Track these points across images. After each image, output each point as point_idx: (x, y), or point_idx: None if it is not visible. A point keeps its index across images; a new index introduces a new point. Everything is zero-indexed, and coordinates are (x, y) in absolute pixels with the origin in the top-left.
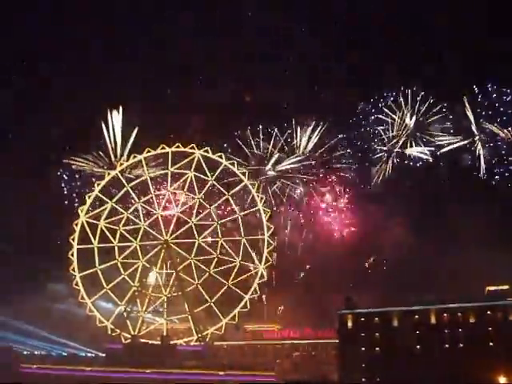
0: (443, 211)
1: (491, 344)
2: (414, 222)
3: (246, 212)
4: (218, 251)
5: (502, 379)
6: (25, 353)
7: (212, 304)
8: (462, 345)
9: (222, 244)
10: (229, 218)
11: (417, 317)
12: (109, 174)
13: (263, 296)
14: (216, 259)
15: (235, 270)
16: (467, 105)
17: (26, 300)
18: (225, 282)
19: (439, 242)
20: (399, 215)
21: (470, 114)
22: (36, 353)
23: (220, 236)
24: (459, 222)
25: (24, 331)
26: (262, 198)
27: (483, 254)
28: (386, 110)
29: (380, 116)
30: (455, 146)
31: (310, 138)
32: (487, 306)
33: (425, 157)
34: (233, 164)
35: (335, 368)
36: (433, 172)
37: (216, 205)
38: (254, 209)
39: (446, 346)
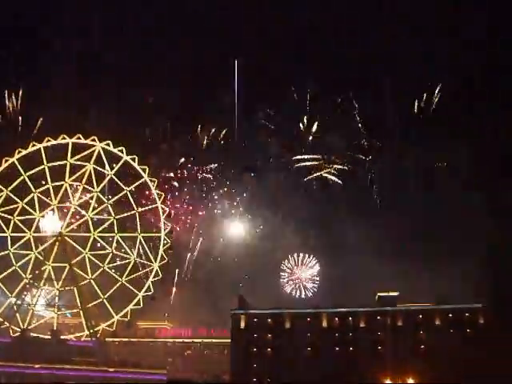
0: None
1: (379, 348)
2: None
3: (143, 209)
4: (114, 247)
5: (388, 381)
6: None
7: (104, 300)
8: (351, 348)
9: (117, 240)
10: (126, 214)
11: (309, 319)
12: (6, 160)
13: (156, 294)
14: (111, 255)
15: (130, 267)
16: None
17: None
18: (119, 278)
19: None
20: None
21: None
22: None
23: (116, 231)
24: (353, 233)
25: None
26: (160, 196)
27: (374, 264)
28: None
29: None
30: None
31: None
32: (377, 311)
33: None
34: (133, 159)
35: (227, 367)
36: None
37: (114, 200)
38: (151, 206)
39: (337, 349)
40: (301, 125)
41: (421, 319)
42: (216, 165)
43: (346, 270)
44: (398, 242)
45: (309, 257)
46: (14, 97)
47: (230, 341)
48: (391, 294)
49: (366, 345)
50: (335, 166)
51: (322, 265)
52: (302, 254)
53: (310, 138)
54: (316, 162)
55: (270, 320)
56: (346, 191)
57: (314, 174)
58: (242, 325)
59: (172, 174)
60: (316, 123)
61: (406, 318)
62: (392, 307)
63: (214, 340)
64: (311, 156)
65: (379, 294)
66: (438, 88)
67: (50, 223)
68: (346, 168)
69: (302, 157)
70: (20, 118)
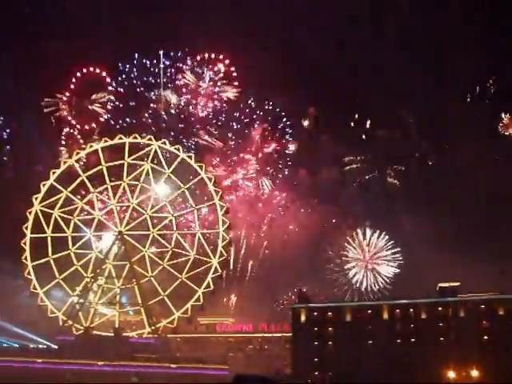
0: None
1: (442, 339)
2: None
3: (201, 206)
4: (173, 244)
5: (452, 374)
6: None
7: (165, 297)
8: (413, 340)
9: (176, 237)
10: (184, 211)
11: (369, 312)
12: (64, 162)
13: (217, 290)
14: (170, 252)
15: (189, 264)
16: None
17: None
18: (178, 275)
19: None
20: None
21: None
22: None
23: (175, 229)
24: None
25: None
26: (218, 192)
27: (434, 254)
28: None
29: None
30: None
31: None
32: (438, 302)
33: None
34: (190, 157)
35: (288, 362)
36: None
37: (172, 197)
38: (209, 203)
39: (398, 341)
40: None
41: (484, 309)
42: None
43: (407, 261)
44: (458, 231)
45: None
46: None
47: (290, 335)
48: (453, 284)
49: (428, 336)
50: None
51: None
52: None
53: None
54: None
55: (330, 313)
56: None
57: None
58: (303, 319)
59: None
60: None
61: (468, 309)
62: (454, 298)
63: (274, 334)
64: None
65: (440, 284)
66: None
67: (110, 222)
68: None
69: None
70: None
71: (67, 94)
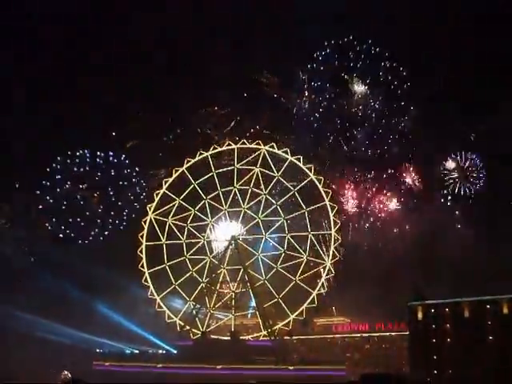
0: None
1: None
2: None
3: (311, 207)
4: (285, 247)
5: None
6: (98, 350)
7: (279, 300)
8: None
9: (288, 240)
10: (295, 214)
11: (488, 307)
12: (176, 171)
13: (331, 290)
14: (283, 255)
15: (302, 266)
16: None
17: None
18: (292, 277)
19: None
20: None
21: None
22: (107, 350)
23: (286, 231)
24: None
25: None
26: (328, 193)
27: None
28: None
29: None
30: None
31: None
32: None
33: None
34: (298, 159)
35: (406, 361)
36: None
37: (282, 200)
38: (320, 204)
39: None
40: None
41: None
42: None
43: None
44: None
45: None
46: None
47: (408, 333)
48: None
49: None
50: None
51: None
52: None
53: None
54: None
55: (447, 309)
56: None
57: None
58: (420, 316)
59: None
60: None
61: None
62: None
63: (391, 333)
64: None
65: None
66: None
67: (223, 228)
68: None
69: None
70: None
71: None
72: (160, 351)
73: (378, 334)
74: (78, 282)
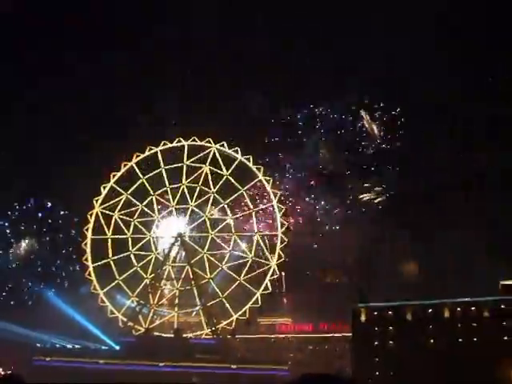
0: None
1: (505, 338)
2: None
3: (259, 208)
4: (231, 246)
5: None
6: (38, 345)
7: (223, 299)
8: (475, 339)
9: (235, 239)
10: (242, 214)
11: (430, 311)
12: (125, 165)
13: (276, 291)
14: (229, 254)
15: (247, 266)
16: None
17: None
18: (237, 277)
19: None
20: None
21: None
22: (48, 346)
23: (233, 231)
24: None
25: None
26: (276, 194)
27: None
28: None
29: None
30: None
31: None
32: (501, 301)
33: None
34: (248, 159)
35: (349, 362)
36: None
37: (230, 200)
38: (267, 204)
39: (460, 340)
40: None
41: None
42: None
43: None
44: None
45: None
46: None
47: (351, 335)
48: None
49: (491, 335)
50: None
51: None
52: None
53: None
54: None
55: (390, 312)
56: None
57: None
58: (363, 318)
59: None
60: None
61: None
62: None
63: (334, 334)
64: None
65: (502, 282)
66: None
67: (169, 224)
68: None
69: None
70: None
71: None
72: (103, 347)
73: (321, 335)
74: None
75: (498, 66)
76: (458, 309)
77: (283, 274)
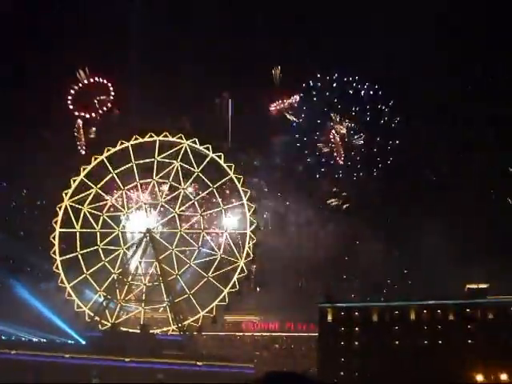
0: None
1: (470, 341)
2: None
3: (229, 206)
4: (200, 243)
5: (480, 377)
6: (3, 338)
7: (190, 296)
8: (440, 341)
9: (203, 236)
10: (212, 211)
11: (397, 312)
12: (95, 158)
13: (242, 289)
14: (197, 251)
15: (216, 263)
16: None
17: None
18: (204, 274)
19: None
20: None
21: None
22: (13, 338)
23: (202, 228)
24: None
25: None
26: (246, 192)
27: (459, 255)
28: None
29: None
30: None
31: None
32: (467, 304)
33: None
34: (219, 156)
35: (314, 362)
36: None
37: (200, 196)
38: (238, 203)
39: (425, 342)
40: None
41: None
42: None
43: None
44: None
45: None
46: None
47: (317, 334)
48: (481, 285)
49: (456, 338)
50: None
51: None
52: None
53: None
54: None
55: (357, 313)
56: None
57: None
58: (329, 318)
59: None
60: None
61: (497, 311)
62: (482, 299)
63: (301, 334)
64: None
65: (468, 285)
66: None
67: (138, 220)
68: None
69: None
70: None
71: None
72: (69, 341)
73: (287, 334)
74: None
75: (498, 65)
76: (424, 311)
77: (253, 270)
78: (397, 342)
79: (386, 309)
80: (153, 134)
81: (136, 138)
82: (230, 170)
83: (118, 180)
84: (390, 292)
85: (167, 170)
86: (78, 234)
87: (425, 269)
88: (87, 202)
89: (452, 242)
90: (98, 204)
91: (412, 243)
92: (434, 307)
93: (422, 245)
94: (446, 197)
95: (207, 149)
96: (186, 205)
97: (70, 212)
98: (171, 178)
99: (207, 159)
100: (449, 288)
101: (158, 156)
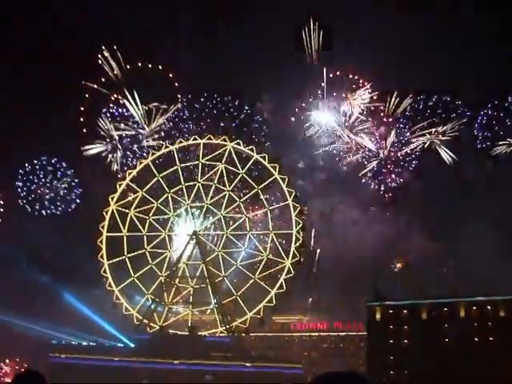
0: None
1: None
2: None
3: (274, 206)
4: (246, 245)
5: None
6: (53, 342)
7: (237, 297)
8: (491, 338)
9: (249, 237)
10: (258, 212)
11: (446, 310)
12: (141, 162)
13: (290, 290)
14: (244, 252)
15: (262, 264)
16: None
17: None
18: (251, 275)
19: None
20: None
21: None
22: (63, 343)
23: (248, 229)
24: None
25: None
26: (291, 193)
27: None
28: None
29: None
30: None
31: None
32: None
33: None
34: (264, 158)
35: (363, 361)
36: None
37: (245, 198)
38: (283, 203)
39: (475, 339)
40: None
41: None
42: None
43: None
44: None
45: None
46: None
47: (365, 333)
48: None
49: (507, 335)
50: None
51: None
52: None
53: None
54: None
55: (405, 311)
56: None
57: None
58: (378, 317)
59: None
60: None
61: None
62: None
63: (349, 333)
64: None
65: None
66: None
67: (184, 222)
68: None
69: None
70: None
71: None
72: (118, 344)
73: (335, 334)
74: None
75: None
76: (474, 307)
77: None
78: (446, 340)
79: (434, 306)
80: (197, 137)
81: (180, 142)
82: (275, 170)
83: (163, 183)
84: (438, 289)
85: (212, 172)
86: (124, 237)
87: (474, 265)
88: (133, 206)
89: (502, 238)
90: (144, 208)
91: (462, 239)
92: (483, 303)
93: (472, 241)
94: (497, 193)
95: (251, 150)
96: (232, 206)
97: (117, 216)
98: (216, 180)
99: (251, 160)
100: (499, 284)
101: (203, 159)
